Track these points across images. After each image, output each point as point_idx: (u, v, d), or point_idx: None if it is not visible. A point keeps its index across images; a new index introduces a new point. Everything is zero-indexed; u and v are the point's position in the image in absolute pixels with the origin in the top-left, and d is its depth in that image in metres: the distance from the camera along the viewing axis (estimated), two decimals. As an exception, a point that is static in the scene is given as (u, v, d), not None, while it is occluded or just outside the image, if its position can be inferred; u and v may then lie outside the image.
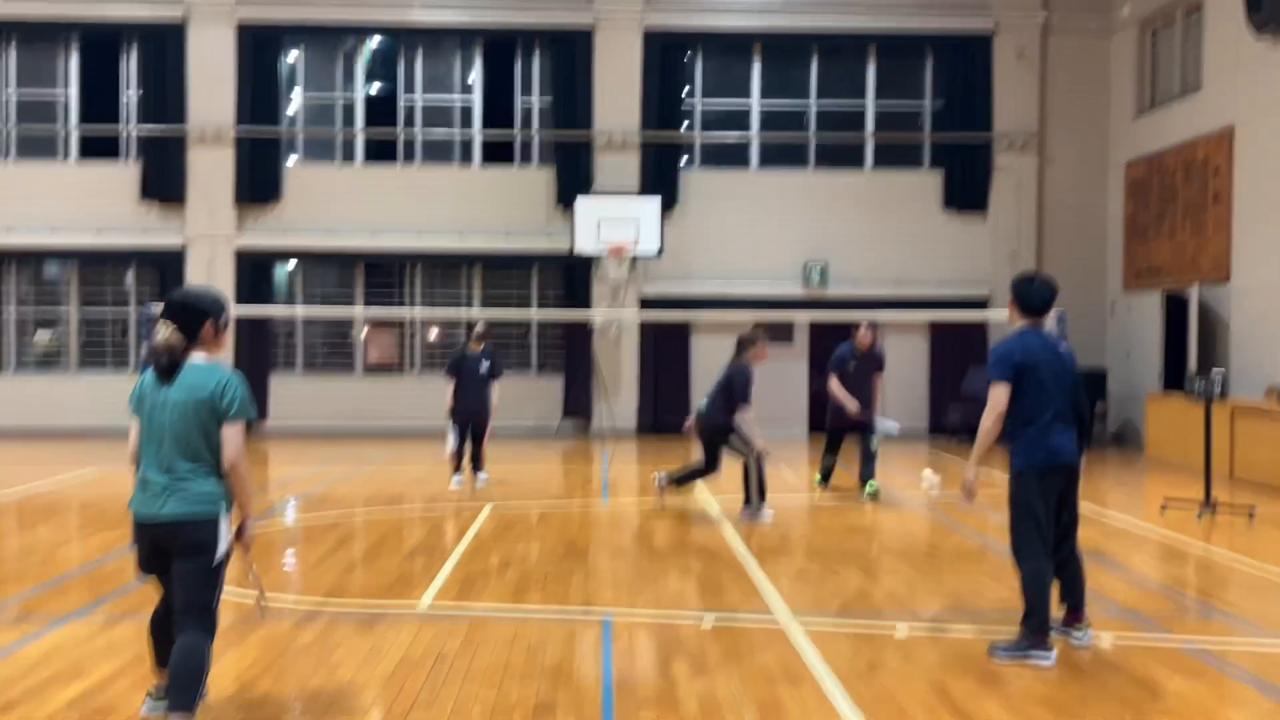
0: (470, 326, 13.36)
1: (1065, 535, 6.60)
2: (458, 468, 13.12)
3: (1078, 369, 6.67)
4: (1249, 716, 5.47)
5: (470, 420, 13.03)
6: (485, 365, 12.94)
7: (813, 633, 6.87)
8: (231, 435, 5.03)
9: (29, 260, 20.39)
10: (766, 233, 20.16)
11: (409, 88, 20.65)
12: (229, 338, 5.13)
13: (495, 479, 13.94)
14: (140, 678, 5.90)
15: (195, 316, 5.12)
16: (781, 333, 20.16)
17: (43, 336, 20.43)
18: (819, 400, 12.72)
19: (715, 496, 12.64)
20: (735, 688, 5.83)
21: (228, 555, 5.12)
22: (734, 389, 10.95)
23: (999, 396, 6.43)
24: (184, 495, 4.97)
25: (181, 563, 5.00)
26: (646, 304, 19.88)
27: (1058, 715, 5.44)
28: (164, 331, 5.01)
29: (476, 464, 13.20)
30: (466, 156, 20.65)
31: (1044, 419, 6.40)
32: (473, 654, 6.41)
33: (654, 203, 19.09)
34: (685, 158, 20.57)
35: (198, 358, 5.11)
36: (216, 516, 5.03)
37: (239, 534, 5.21)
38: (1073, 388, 6.57)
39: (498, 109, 20.66)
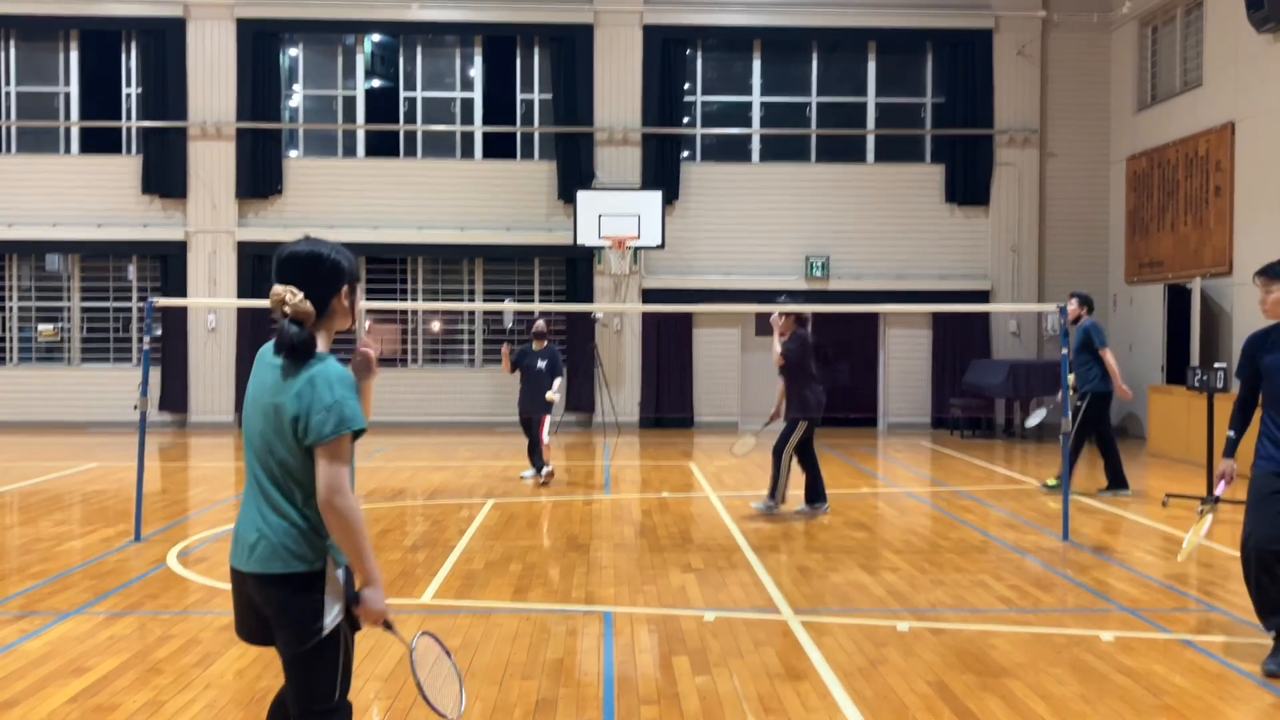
0: (531, 322, 13.79)
1: None
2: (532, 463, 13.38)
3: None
4: (1250, 713, 5.47)
5: (527, 420, 13.16)
6: (543, 364, 12.94)
7: (814, 628, 6.88)
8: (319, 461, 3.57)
9: (30, 254, 20.38)
10: (768, 227, 20.16)
11: (410, 83, 20.63)
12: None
13: (497, 475, 13.96)
14: (142, 674, 5.91)
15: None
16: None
17: (45, 330, 20.43)
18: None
19: (717, 492, 12.65)
20: (737, 683, 5.84)
21: (338, 631, 3.66)
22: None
23: None
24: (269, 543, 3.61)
25: (276, 635, 3.68)
26: (648, 297, 19.88)
27: (1058, 712, 5.44)
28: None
29: (535, 460, 13.23)
30: (468, 151, 20.63)
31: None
32: (474, 650, 6.42)
33: (655, 197, 19.08)
34: (686, 153, 20.56)
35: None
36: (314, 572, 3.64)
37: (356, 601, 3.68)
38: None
39: (498, 104, 20.64)
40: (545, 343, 13.08)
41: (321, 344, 3.67)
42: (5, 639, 6.59)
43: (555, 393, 12.86)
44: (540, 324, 13.24)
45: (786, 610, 7.33)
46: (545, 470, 13.11)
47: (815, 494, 11.04)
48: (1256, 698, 5.66)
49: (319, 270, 3.67)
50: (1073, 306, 12.31)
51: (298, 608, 3.57)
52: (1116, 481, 12.18)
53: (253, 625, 3.75)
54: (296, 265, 3.66)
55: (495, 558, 8.98)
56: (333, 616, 3.61)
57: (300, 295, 3.60)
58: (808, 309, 11.42)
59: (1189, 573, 8.62)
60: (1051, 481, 12.69)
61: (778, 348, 10.79)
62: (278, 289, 3.61)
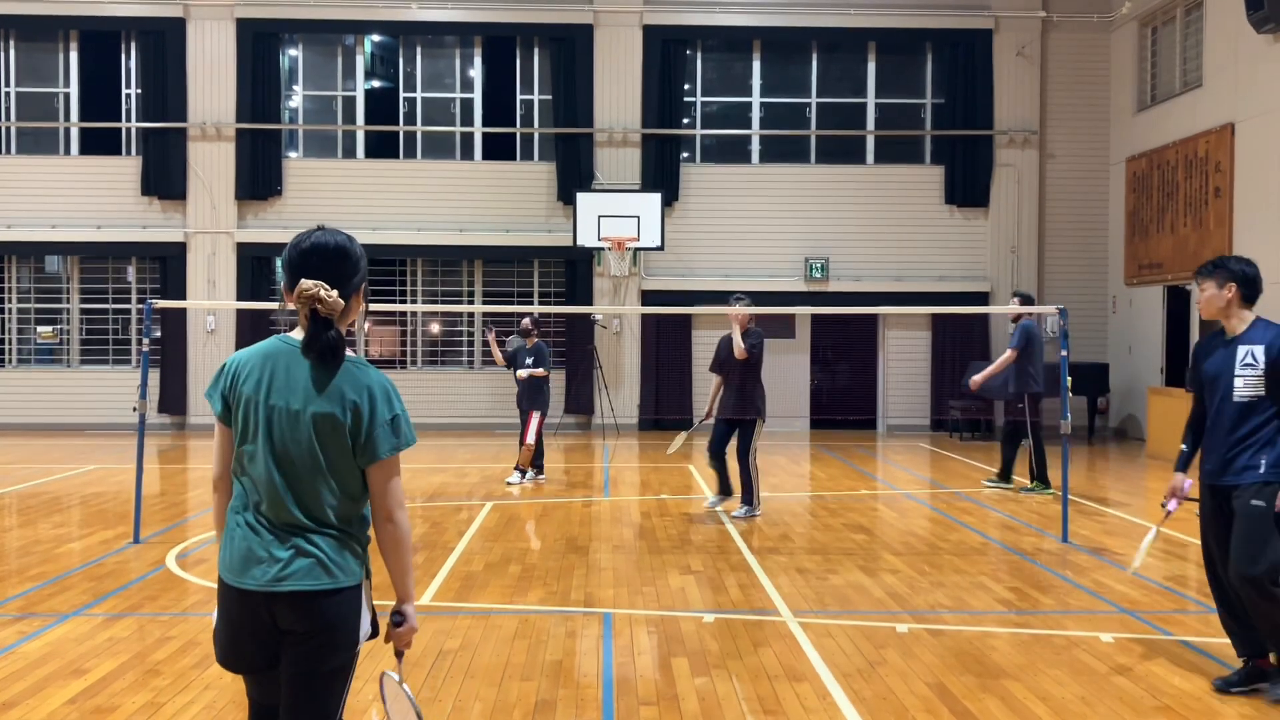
0: (520, 320, 13.84)
1: None
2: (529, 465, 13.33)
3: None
4: (1248, 714, 5.47)
5: (521, 416, 13.23)
6: (530, 360, 13.07)
7: (813, 630, 6.87)
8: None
9: (29, 255, 20.37)
10: (767, 228, 20.15)
11: (409, 83, 20.63)
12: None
13: (496, 477, 13.95)
14: (141, 675, 5.91)
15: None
16: (783, 328, 20.17)
17: (44, 332, 20.42)
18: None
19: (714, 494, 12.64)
20: (736, 685, 5.84)
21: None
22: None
23: None
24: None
25: (296, 655, 3.36)
26: (648, 299, 19.86)
27: (1057, 713, 5.44)
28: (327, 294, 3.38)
29: (536, 461, 13.30)
30: (467, 152, 20.63)
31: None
32: (473, 651, 6.42)
33: (655, 198, 19.08)
34: (686, 154, 20.55)
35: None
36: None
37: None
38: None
39: (498, 105, 20.64)
40: (534, 339, 13.21)
41: None
42: (5, 640, 6.58)
43: (524, 370, 12.99)
44: (526, 321, 13.34)
45: (786, 612, 7.33)
46: (515, 471, 13.22)
47: (727, 488, 11.26)
48: (1254, 699, 5.66)
49: (346, 265, 3.43)
50: (1014, 305, 12.79)
51: (343, 624, 3.34)
52: (1004, 475, 12.93)
53: (255, 651, 3.38)
54: (325, 258, 3.39)
55: (494, 559, 8.98)
56: (366, 631, 3.46)
57: (335, 292, 3.32)
58: (764, 311, 11.57)
59: (1188, 575, 8.62)
60: (1029, 484, 12.74)
61: (739, 342, 10.83)
62: (308, 284, 3.30)
